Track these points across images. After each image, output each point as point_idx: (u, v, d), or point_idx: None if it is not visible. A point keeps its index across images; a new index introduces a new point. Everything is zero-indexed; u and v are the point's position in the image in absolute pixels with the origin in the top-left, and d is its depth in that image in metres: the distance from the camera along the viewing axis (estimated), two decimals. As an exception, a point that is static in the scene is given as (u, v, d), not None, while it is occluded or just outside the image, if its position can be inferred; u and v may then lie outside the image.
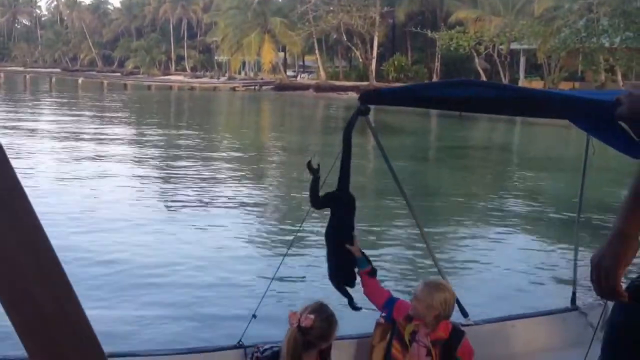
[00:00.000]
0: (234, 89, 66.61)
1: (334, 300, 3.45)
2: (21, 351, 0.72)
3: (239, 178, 14.52)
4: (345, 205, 3.57)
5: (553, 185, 14.82)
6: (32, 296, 0.71)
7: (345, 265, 3.58)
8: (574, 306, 4.69)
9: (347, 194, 3.58)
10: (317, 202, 3.51)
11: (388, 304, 3.62)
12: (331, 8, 58.38)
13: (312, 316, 3.12)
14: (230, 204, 11.33)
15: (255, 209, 11.42)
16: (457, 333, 3.65)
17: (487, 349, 3.94)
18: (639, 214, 1.63)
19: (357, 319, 3.79)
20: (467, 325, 4.12)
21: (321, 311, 3.19)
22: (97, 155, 16.65)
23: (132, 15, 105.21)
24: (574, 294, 4.72)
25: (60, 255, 0.64)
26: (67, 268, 0.68)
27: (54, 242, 0.65)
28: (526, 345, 4.45)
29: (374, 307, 3.66)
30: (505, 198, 13.27)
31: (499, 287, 6.26)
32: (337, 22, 57.79)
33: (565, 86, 49.37)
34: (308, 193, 3.46)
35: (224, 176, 14.43)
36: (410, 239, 8.78)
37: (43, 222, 0.66)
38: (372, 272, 3.66)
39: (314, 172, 3.47)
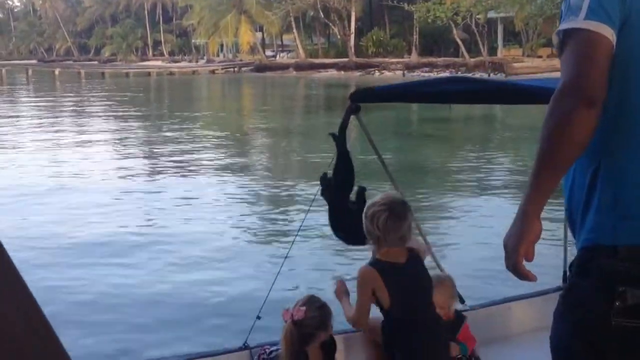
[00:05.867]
0: (213, 71, 66.20)
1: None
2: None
3: (229, 168, 14.43)
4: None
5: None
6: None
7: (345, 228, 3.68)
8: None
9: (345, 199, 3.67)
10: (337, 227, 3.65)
11: None
12: (307, -15, 58.06)
13: (303, 308, 3.15)
14: (224, 198, 11.08)
15: (251, 201, 11.32)
16: (458, 317, 3.78)
17: (485, 332, 4.06)
18: (538, 193, 1.69)
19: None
20: (464, 311, 4.24)
21: (312, 301, 3.22)
22: (77, 153, 16.47)
23: (106, 2, 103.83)
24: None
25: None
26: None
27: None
28: (523, 325, 4.58)
29: None
30: (494, 173, 13.39)
31: (491, 269, 6.35)
32: (313, -1, 57.50)
33: (543, 52, 49.54)
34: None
35: (213, 167, 14.33)
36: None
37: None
38: None
39: (327, 183, 3.58)
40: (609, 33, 1.66)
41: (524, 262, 1.72)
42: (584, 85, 1.64)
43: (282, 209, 10.31)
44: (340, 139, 3.63)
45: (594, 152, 1.74)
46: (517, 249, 1.69)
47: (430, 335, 3.21)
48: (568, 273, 1.86)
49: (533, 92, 3.16)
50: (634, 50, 1.72)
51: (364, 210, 3.13)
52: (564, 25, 1.72)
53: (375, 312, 3.18)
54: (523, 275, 1.72)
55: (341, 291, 3.36)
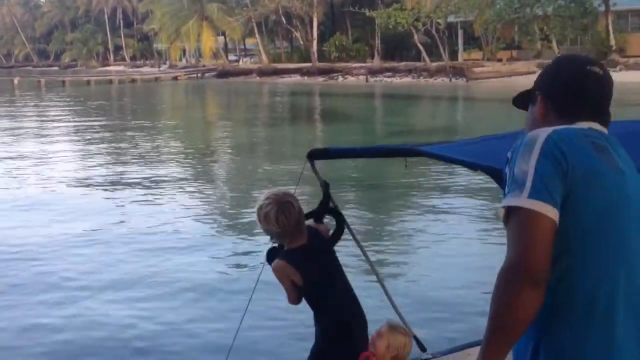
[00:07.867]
0: (176, 78, 65.85)
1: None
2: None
3: (199, 192, 14.34)
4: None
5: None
6: None
7: None
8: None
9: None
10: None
11: None
12: (268, -9, 58.14)
13: None
14: (188, 226, 10.59)
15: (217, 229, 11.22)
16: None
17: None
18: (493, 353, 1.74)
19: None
20: (426, 359, 4.44)
21: None
22: (38, 177, 16.08)
23: (65, 7, 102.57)
24: None
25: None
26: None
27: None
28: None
29: None
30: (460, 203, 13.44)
31: (455, 316, 6.43)
32: (275, 5, 57.57)
33: (503, 55, 50.45)
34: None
35: (180, 190, 14.18)
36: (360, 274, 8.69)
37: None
38: None
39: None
40: (551, 213, 1.71)
41: None
42: (529, 266, 1.69)
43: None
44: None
45: (535, 327, 1.78)
46: None
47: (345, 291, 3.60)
48: None
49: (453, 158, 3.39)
50: (575, 226, 1.76)
51: (256, 215, 3.43)
52: (508, 201, 1.77)
53: None
54: None
55: None
